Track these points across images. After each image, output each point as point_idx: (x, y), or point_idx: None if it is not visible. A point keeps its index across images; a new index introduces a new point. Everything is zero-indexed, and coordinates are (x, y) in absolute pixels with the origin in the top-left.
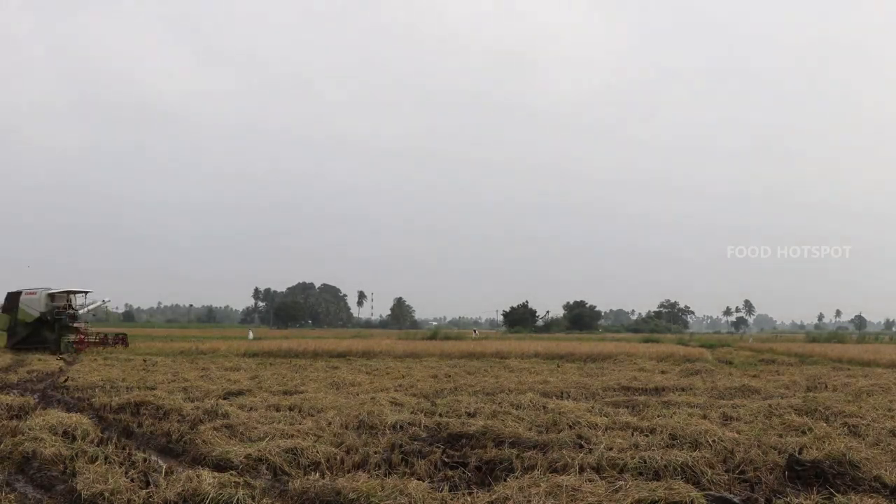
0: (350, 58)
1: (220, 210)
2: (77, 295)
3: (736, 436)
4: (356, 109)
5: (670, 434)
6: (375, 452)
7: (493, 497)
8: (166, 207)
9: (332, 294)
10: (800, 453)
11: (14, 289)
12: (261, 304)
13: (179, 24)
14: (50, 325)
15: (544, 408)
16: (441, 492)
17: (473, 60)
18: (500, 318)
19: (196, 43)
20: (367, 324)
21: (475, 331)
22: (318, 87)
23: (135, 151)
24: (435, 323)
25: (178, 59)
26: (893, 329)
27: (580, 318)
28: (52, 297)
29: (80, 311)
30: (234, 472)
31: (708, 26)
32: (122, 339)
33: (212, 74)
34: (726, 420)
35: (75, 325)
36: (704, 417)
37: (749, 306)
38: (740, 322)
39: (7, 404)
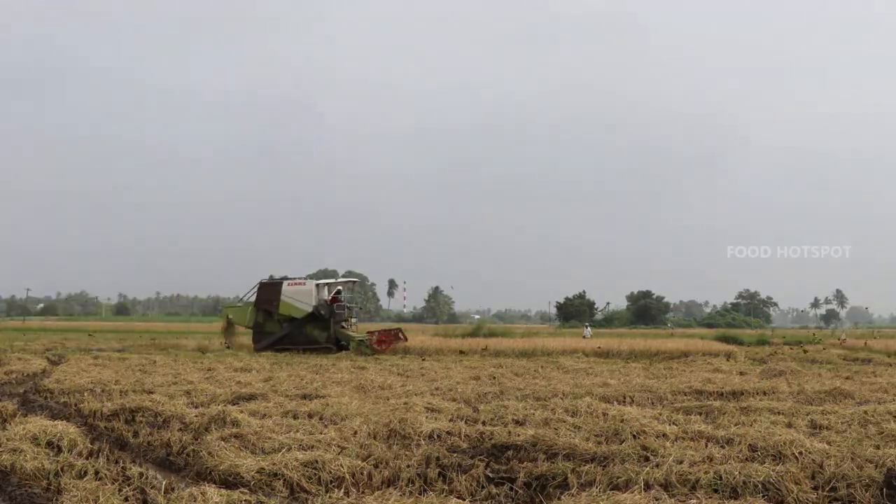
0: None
1: (232, 190)
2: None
3: (826, 447)
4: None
5: (750, 445)
6: (408, 466)
7: None
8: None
9: (357, 283)
10: None
11: (265, 277)
12: None
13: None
14: (323, 322)
15: (604, 415)
16: None
17: None
18: (553, 310)
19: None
20: (399, 317)
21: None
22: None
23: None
24: (477, 316)
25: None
26: None
27: (646, 310)
28: (321, 287)
29: (352, 305)
30: (244, 490)
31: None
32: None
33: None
34: (815, 429)
35: (351, 320)
36: (789, 426)
37: (840, 297)
38: (831, 315)
39: None
